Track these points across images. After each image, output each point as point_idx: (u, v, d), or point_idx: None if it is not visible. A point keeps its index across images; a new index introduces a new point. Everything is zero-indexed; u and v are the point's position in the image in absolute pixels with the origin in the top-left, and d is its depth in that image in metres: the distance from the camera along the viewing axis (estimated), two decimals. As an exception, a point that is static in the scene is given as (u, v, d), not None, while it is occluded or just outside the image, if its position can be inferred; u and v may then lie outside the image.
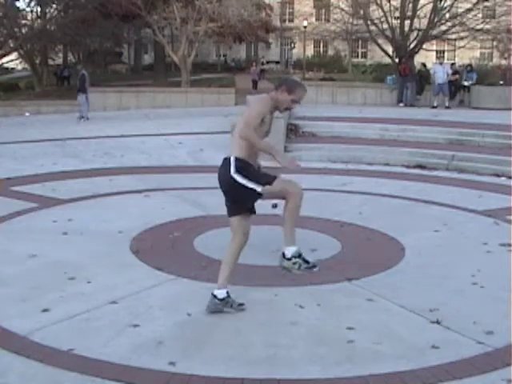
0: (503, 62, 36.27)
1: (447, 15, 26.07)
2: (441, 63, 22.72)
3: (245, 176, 4.18)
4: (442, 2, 25.47)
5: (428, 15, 25.02)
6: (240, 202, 4.33)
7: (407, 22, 25.12)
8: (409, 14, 25.24)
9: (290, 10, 58.33)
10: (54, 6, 33.55)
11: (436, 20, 25.23)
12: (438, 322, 4.16)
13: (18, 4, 55.72)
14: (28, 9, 34.73)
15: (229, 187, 4.27)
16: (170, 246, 5.98)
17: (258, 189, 4.17)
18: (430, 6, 25.02)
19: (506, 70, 27.54)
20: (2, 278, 4.95)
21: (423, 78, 21.48)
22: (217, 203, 7.25)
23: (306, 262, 4.28)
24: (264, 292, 4.66)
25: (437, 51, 41.65)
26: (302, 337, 3.95)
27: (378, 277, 5.13)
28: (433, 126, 13.72)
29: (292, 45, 59.11)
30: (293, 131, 13.46)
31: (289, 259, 4.26)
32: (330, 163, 11.28)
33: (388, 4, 25.00)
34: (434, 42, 30.98)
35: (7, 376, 3.41)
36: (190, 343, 3.84)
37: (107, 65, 50.79)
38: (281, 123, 11.51)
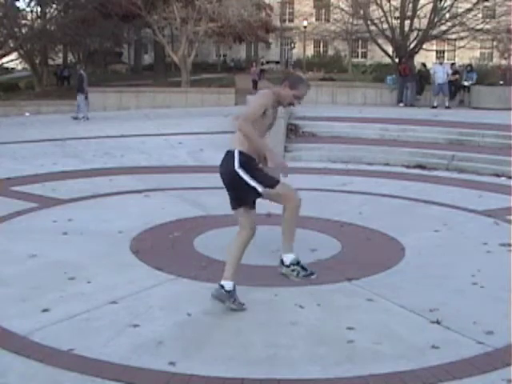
0: (503, 61, 36.27)
1: (447, 15, 26.08)
2: (441, 63, 22.72)
3: (248, 172, 4.20)
4: (442, 2, 25.47)
5: (428, 15, 25.03)
6: (239, 196, 4.35)
7: (407, 22, 25.13)
8: (409, 14, 25.24)
9: (290, 10, 58.32)
10: (54, 6, 33.56)
11: (436, 20, 25.24)
12: (438, 322, 4.16)
13: (18, 4, 55.80)
14: (28, 9, 34.81)
15: (231, 180, 4.28)
16: (170, 246, 5.98)
17: (259, 189, 4.19)
18: (430, 6, 25.03)
19: (506, 69, 27.53)
20: (2, 277, 4.95)
21: (423, 77, 21.48)
22: (217, 203, 7.29)
23: (304, 269, 4.35)
24: (264, 292, 4.66)
25: (437, 51, 41.65)
26: (302, 337, 3.95)
27: (378, 277, 5.13)
28: (433, 126, 13.72)
29: (292, 45, 59.10)
30: (293, 131, 13.47)
31: (287, 266, 4.32)
32: (330, 163, 11.28)
33: (388, 4, 25.00)
34: (434, 42, 30.99)
35: (7, 376, 3.41)
36: (190, 343, 3.84)
37: (107, 65, 50.80)
38: (281, 123, 11.50)
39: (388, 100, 21.68)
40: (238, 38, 42.52)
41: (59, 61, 44.04)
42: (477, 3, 24.93)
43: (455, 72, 21.37)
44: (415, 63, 25.07)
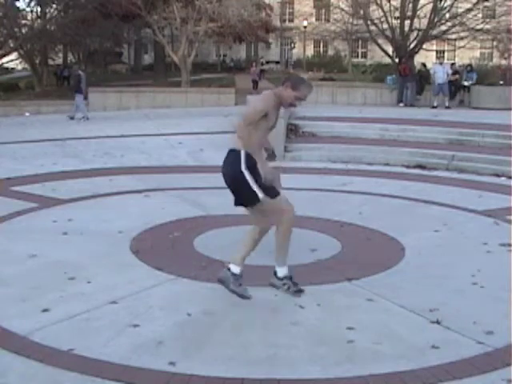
0: (503, 61, 36.31)
1: (447, 15, 26.09)
2: (441, 63, 22.72)
3: (253, 176, 4.19)
4: (442, 2, 25.48)
5: (428, 15, 25.04)
6: (239, 197, 4.35)
7: (407, 22, 25.14)
8: (409, 14, 25.26)
9: (290, 10, 58.39)
10: (54, 6, 33.59)
11: (436, 20, 25.25)
12: (438, 322, 4.16)
13: (18, 4, 55.85)
14: (28, 9, 34.85)
15: (233, 180, 4.28)
16: (170, 246, 5.98)
17: (260, 195, 4.19)
18: (430, 6, 25.04)
19: (506, 70, 27.55)
20: (2, 277, 4.95)
21: (423, 77, 21.48)
22: (217, 203, 7.29)
23: (295, 284, 4.37)
24: (264, 292, 4.66)
25: (437, 51, 41.70)
26: (302, 337, 3.95)
27: (378, 277, 5.13)
28: (433, 126, 13.72)
29: (292, 45, 59.16)
30: (293, 131, 13.46)
31: (280, 279, 4.36)
32: (330, 163, 11.27)
33: (388, 4, 25.01)
34: (434, 42, 31.00)
35: (7, 376, 3.41)
36: (190, 343, 3.84)
37: (107, 65, 50.87)
38: (281, 123, 11.50)
39: (388, 100, 21.68)
40: (238, 38, 42.58)
41: (59, 61, 44.08)
42: (477, 3, 24.94)
43: (455, 72, 21.38)
44: (415, 63, 25.08)
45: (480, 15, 27.09)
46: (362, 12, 26.46)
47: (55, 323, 4.07)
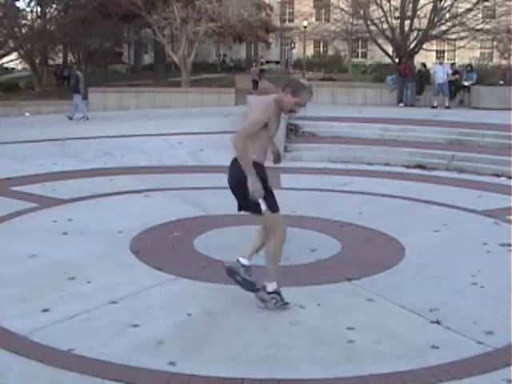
0: (503, 61, 36.26)
1: (447, 15, 26.06)
2: (441, 63, 22.71)
3: None
4: (442, 2, 25.46)
5: (428, 15, 25.01)
6: (242, 203, 4.33)
7: (407, 22, 25.11)
8: (409, 14, 25.23)
9: (290, 10, 58.35)
10: (54, 6, 33.57)
11: (436, 20, 25.22)
12: (438, 322, 4.16)
13: (18, 4, 55.84)
14: (28, 9, 34.82)
15: (238, 189, 4.26)
16: (170, 246, 5.98)
17: (263, 206, 4.18)
18: (430, 6, 25.02)
19: (506, 69, 27.52)
20: (2, 277, 4.95)
21: (423, 77, 21.46)
22: (217, 203, 7.30)
23: (282, 299, 4.37)
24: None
25: (437, 51, 41.67)
26: (302, 337, 3.95)
27: (378, 277, 5.14)
28: (433, 126, 13.72)
29: (292, 45, 59.12)
30: (293, 131, 13.47)
31: (269, 293, 4.34)
32: (330, 163, 11.28)
33: (388, 4, 24.99)
34: (434, 42, 30.97)
35: (7, 376, 3.41)
36: (190, 343, 3.84)
37: (107, 65, 50.86)
38: (281, 123, 11.50)
39: (388, 100, 21.67)
40: (237, 38, 42.57)
41: (59, 61, 44.06)
42: (477, 3, 24.92)
43: (455, 72, 21.36)
44: (415, 63, 25.06)
45: (480, 15, 27.06)
46: (362, 12, 26.43)
47: (55, 323, 4.07)
